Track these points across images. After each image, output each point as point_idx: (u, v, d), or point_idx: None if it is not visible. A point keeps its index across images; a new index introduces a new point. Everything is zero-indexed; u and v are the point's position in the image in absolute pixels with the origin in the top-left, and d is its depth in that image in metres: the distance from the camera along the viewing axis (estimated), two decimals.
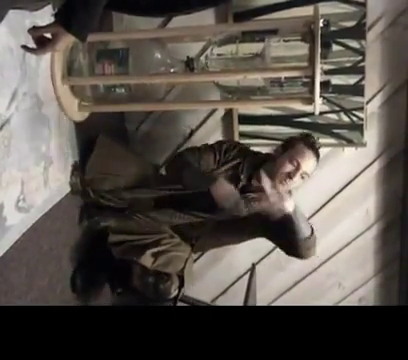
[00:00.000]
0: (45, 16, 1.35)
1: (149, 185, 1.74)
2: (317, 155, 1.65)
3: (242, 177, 1.71)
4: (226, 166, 1.72)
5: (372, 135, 2.03)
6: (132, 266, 1.62)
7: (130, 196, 1.71)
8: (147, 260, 1.62)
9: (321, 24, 1.48)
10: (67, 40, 1.05)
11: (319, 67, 1.44)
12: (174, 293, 1.63)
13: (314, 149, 1.64)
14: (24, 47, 1.12)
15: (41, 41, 1.10)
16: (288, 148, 1.66)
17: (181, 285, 1.63)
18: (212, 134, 2.13)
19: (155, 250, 1.64)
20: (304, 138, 1.68)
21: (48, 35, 1.10)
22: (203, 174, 1.66)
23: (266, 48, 1.56)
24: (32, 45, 1.15)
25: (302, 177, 1.62)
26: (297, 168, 1.61)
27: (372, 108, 2.01)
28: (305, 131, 1.68)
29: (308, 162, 1.62)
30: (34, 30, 1.08)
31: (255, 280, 2.09)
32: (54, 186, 1.53)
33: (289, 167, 1.61)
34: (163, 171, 2.00)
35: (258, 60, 1.58)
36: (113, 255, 1.65)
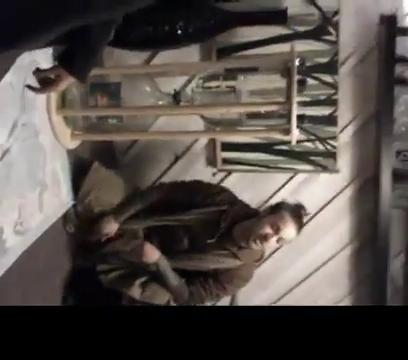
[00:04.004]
0: (40, 53, 1.47)
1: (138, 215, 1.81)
2: (300, 226, 1.73)
3: (222, 225, 1.76)
4: (212, 208, 1.78)
5: (345, 162, 2.17)
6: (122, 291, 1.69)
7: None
8: (135, 291, 1.66)
9: (297, 62, 1.62)
10: (69, 81, 1.16)
11: (295, 102, 1.57)
12: None
13: (298, 220, 1.73)
14: (28, 87, 1.22)
15: (44, 81, 1.20)
16: (275, 212, 1.74)
17: None
18: (196, 160, 2.24)
19: (143, 279, 1.69)
20: (293, 208, 1.75)
21: (51, 75, 1.21)
22: None
23: (239, 85, 1.70)
24: (34, 83, 1.25)
25: (277, 241, 1.71)
26: (276, 232, 1.69)
27: (344, 137, 2.15)
28: (299, 203, 1.79)
29: (288, 230, 1.70)
30: (38, 72, 1.18)
31: (236, 300, 2.15)
32: (48, 210, 1.61)
33: (268, 230, 1.69)
34: None
35: (235, 95, 1.71)
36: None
